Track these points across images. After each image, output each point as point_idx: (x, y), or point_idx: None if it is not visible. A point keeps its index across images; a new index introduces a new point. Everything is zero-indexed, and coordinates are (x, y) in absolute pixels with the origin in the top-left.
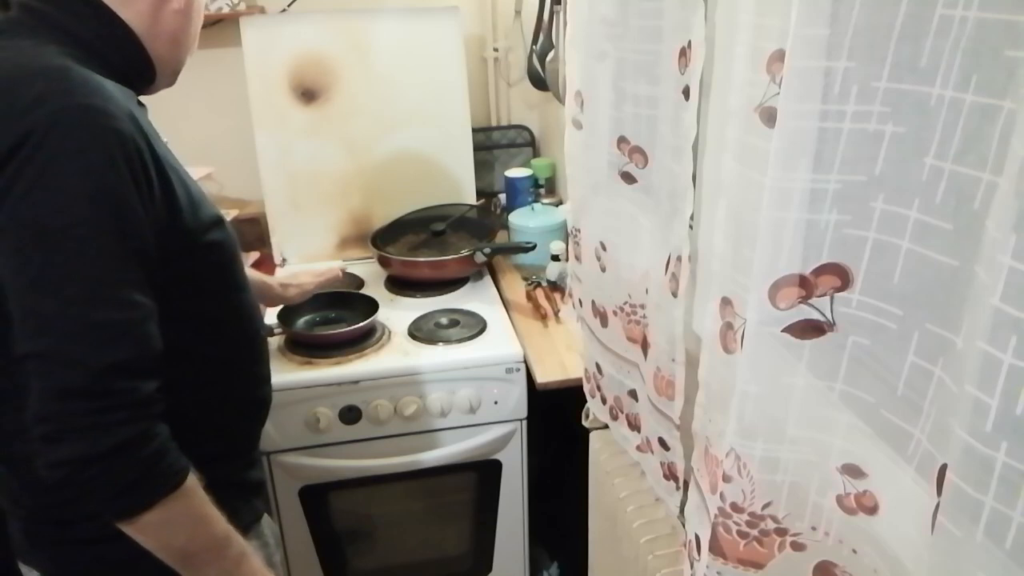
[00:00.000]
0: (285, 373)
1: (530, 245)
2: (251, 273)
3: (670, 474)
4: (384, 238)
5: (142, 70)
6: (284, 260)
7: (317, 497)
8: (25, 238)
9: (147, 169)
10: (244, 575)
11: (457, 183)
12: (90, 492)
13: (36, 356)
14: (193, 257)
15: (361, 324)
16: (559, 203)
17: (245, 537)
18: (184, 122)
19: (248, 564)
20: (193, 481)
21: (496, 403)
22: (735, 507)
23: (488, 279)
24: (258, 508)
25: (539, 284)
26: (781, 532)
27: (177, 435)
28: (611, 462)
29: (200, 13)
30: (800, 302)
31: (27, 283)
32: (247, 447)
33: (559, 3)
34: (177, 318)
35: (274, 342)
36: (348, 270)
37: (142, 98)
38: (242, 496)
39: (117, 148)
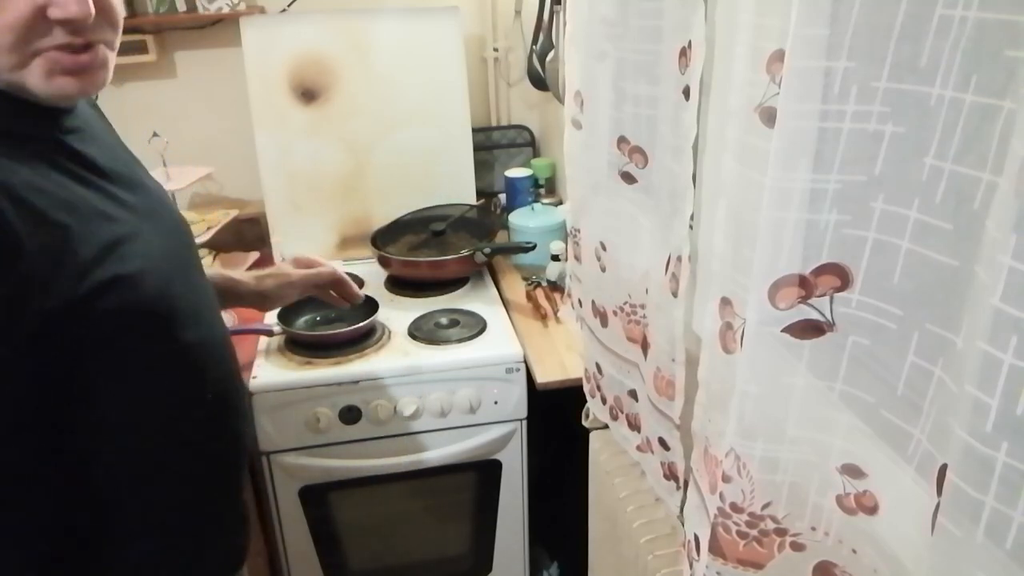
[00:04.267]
0: (285, 373)
1: (530, 245)
2: (216, 272)
3: (670, 474)
4: (384, 238)
5: None
6: (284, 260)
7: (317, 497)
8: None
9: None
10: None
11: (457, 183)
12: None
13: None
14: (86, 323)
15: (361, 324)
16: (559, 203)
17: None
18: (184, 122)
19: None
20: None
21: (496, 403)
22: (735, 507)
23: (488, 279)
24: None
25: (539, 284)
26: (781, 532)
27: (124, 504)
28: (611, 462)
29: None
30: (800, 302)
31: None
32: (217, 510)
33: (559, 3)
34: (102, 389)
35: (274, 342)
36: (348, 271)
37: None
38: (205, 568)
39: None
